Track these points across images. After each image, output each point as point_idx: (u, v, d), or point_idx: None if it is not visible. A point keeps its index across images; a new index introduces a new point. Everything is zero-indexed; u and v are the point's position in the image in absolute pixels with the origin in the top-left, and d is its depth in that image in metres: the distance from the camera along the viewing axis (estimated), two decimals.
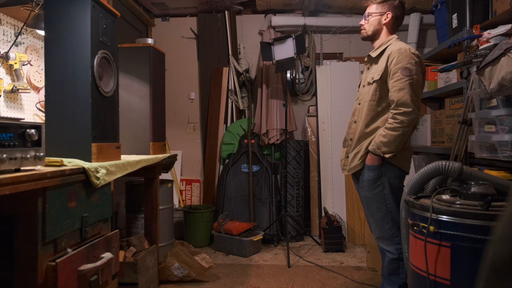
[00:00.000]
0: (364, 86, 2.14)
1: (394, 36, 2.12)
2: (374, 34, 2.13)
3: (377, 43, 2.14)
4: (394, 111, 1.92)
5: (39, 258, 1.19)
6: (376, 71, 2.05)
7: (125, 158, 1.94)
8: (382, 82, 2.01)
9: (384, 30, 2.12)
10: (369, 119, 2.05)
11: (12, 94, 2.11)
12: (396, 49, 1.98)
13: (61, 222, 1.29)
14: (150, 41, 2.54)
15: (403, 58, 1.93)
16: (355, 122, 2.13)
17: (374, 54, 2.12)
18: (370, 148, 2.00)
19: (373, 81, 2.04)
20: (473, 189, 1.57)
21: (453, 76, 2.94)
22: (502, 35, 2.23)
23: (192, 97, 4.30)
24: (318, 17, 4.08)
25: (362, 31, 2.17)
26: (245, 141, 3.87)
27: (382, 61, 2.02)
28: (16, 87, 2.06)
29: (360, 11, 3.96)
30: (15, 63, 2.08)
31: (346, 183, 3.71)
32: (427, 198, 1.77)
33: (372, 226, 2.13)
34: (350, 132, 2.16)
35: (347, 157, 2.15)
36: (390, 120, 1.93)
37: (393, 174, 2.01)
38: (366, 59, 2.21)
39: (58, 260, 1.22)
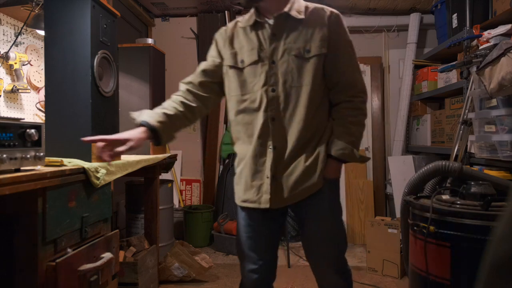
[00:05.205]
0: (281, 58, 1.31)
1: None
2: None
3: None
4: (356, 98, 1.36)
5: (39, 258, 1.19)
6: (307, 38, 1.31)
7: (125, 158, 1.94)
8: (324, 58, 1.33)
9: None
10: (311, 115, 1.32)
11: (12, 94, 2.11)
12: (330, 10, 1.36)
13: (61, 222, 1.29)
14: (150, 41, 2.54)
15: (345, 26, 1.38)
16: (272, 119, 1.31)
17: (295, 13, 1.33)
18: (336, 153, 1.32)
19: (314, 55, 1.31)
20: (473, 189, 1.57)
21: (453, 76, 2.94)
22: (502, 35, 2.23)
23: None
24: None
25: None
26: None
27: (312, 24, 1.32)
28: (16, 87, 2.06)
29: (360, 11, 3.96)
30: (15, 63, 2.08)
31: (346, 183, 3.71)
32: (427, 198, 1.77)
33: (331, 265, 1.40)
34: (275, 136, 1.34)
35: (274, 177, 1.32)
36: (352, 112, 1.36)
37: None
38: (258, 19, 1.35)
39: (58, 260, 1.22)
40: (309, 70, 1.31)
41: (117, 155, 1.25)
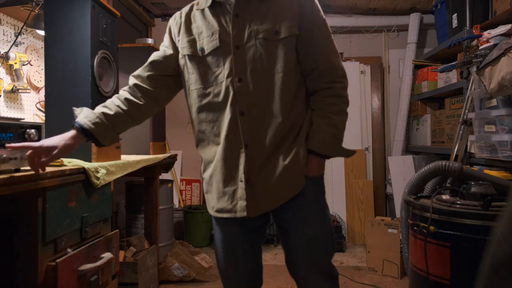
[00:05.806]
0: (247, 42, 1.14)
1: None
2: None
3: None
4: (336, 84, 1.19)
5: (39, 258, 1.19)
6: (275, 18, 1.14)
7: (125, 158, 1.94)
8: (296, 40, 1.17)
9: None
10: (288, 106, 1.15)
11: (12, 94, 2.11)
12: None
13: (61, 222, 1.29)
14: (150, 41, 2.54)
15: (318, 3, 1.21)
16: (241, 114, 1.14)
17: None
18: (318, 147, 1.17)
19: (284, 37, 1.14)
20: (473, 189, 1.57)
21: (453, 76, 2.94)
22: (502, 35, 2.23)
23: None
24: None
25: None
26: None
27: (281, 1, 1.16)
28: (16, 87, 2.06)
29: (360, 11, 3.96)
30: (15, 63, 2.08)
31: (346, 183, 3.71)
32: (427, 198, 1.77)
33: (323, 273, 1.23)
34: (245, 133, 1.15)
35: (249, 180, 1.14)
36: (333, 100, 1.18)
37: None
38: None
39: (58, 260, 1.22)
40: (280, 55, 1.13)
41: (42, 166, 1.10)
